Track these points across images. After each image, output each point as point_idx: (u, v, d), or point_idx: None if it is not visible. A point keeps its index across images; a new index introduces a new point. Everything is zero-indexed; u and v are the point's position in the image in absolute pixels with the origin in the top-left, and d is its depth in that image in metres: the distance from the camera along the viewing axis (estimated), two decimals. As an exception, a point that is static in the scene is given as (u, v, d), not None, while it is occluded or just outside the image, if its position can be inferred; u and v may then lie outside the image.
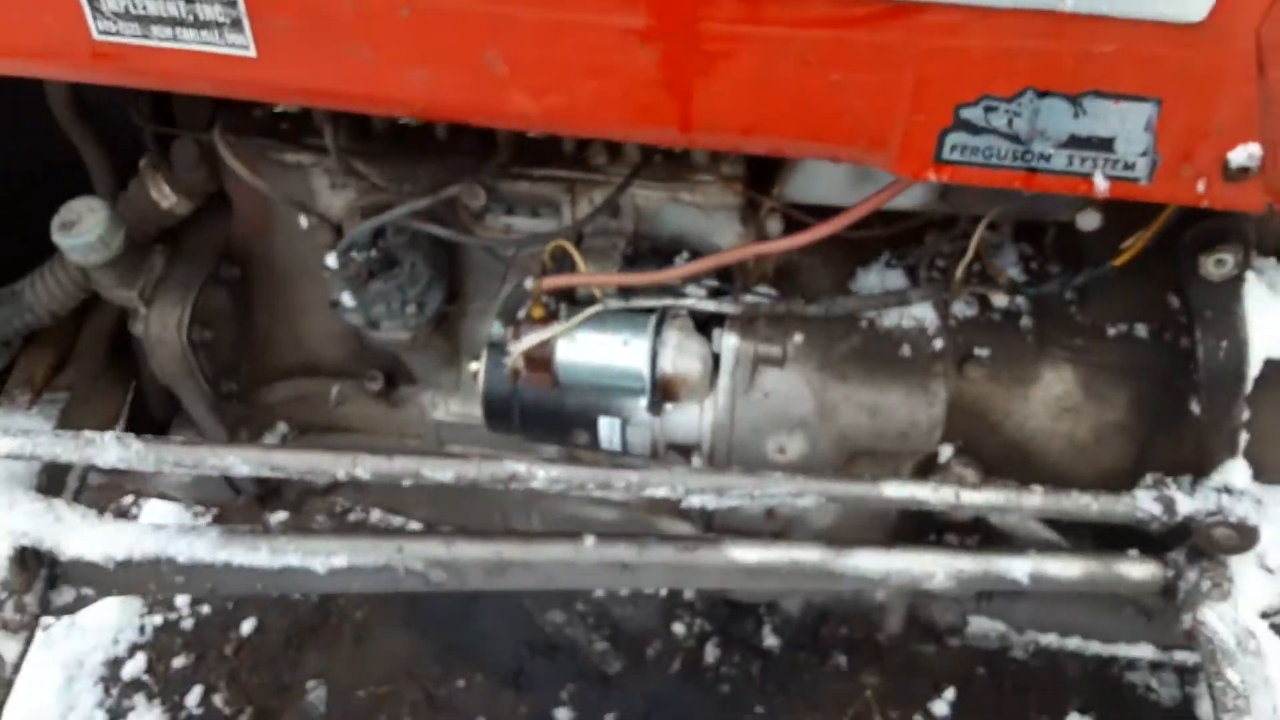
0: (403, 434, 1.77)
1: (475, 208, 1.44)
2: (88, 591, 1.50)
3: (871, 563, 1.42)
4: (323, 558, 1.44)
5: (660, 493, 1.33)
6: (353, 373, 1.70)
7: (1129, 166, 0.91)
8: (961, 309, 1.47)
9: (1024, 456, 1.50)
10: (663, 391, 1.31)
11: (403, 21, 0.95)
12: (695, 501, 1.34)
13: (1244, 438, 1.34)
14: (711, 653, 2.61)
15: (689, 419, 1.42)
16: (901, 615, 1.79)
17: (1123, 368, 1.40)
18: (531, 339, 1.29)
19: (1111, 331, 1.39)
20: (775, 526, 1.52)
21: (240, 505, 2.13)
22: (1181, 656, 1.76)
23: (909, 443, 1.41)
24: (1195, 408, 1.33)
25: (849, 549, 1.42)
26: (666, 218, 1.43)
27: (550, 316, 1.31)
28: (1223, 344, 1.28)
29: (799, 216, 1.36)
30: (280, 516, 2.69)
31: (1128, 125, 0.88)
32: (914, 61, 0.89)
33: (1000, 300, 1.47)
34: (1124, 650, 1.75)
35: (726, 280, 1.44)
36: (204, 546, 1.44)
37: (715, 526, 1.55)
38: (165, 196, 1.50)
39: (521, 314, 1.32)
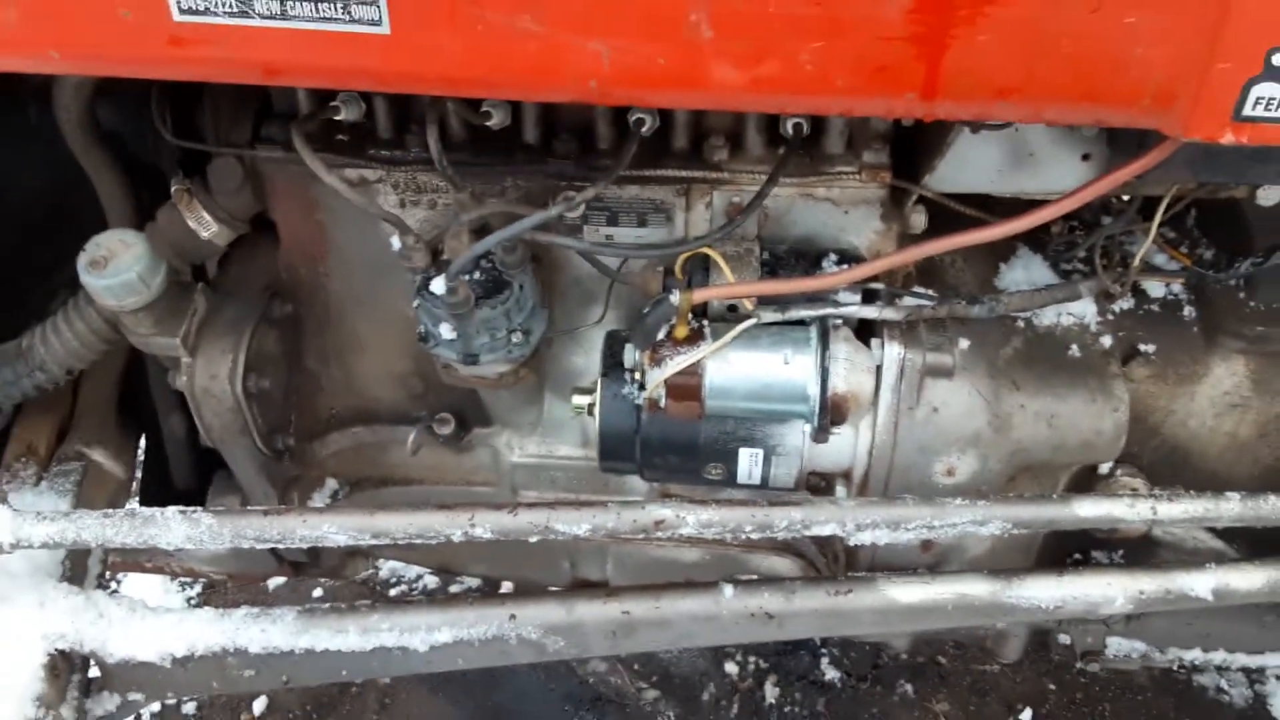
0: (469, 481, 1.57)
1: (573, 219, 1.25)
2: (136, 696, 1.26)
3: (1046, 592, 1.27)
4: (423, 634, 1.23)
5: (827, 530, 1.16)
6: (414, 417, 1.49)
7: None
8: (1118, 302, 1.33)
9: (1182, 458, 1.38)
10: (835, 412, 1.13)
11: (584, -22, 0.77)
12: (866, 538, 1.17)
13: None
14: (771, 692, 2.44)
15: (841, 444, 1.25)
16: (1024, 641, 1.64)
17: (1310, 354, 1.28)
18: (679, 362, 1.10)
19: (1297, 316, 1.26)
20: (930, 559, 1.36)
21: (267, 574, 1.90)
22: (1246, 659, 1.65)
23: (1092, 453, 1.27)
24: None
25: (1020, 578, 1.26)
26: (795, 217, 1.27)
27: (695, 335, 1.13)
28: None
29: (956, 207, 1.21)
30: (279, 583, 2.46)
31: None
32: (1231, -3, 0.74)
33: (1157, 290, 1.33)
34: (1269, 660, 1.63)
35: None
36: (280, 633, 1.22)
37: (857, 561, 1.38)
38: (204, 225, 1.28)
39: (661, 334, 1.13)
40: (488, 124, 1.15)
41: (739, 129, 1.23)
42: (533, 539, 1.16)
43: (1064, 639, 1.59)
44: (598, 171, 1.17)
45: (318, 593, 2.61)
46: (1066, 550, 1.48)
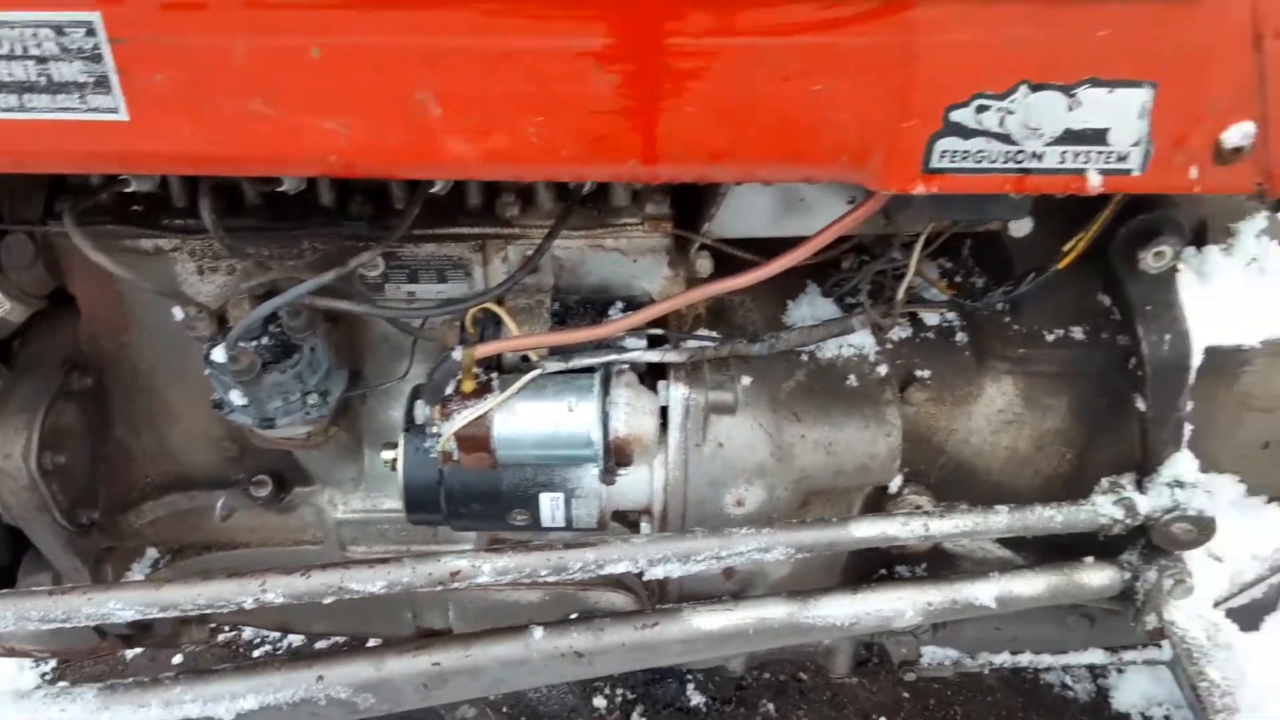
0: (296, 541, 1.57)
1: (373, 277, 1.28)
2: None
3: (840, 610, 1.34)
4: (228, 702, 1.23)
5: (620, 568, 1.21)
6: (233, 480, 1.49)
7: (1122, 158, 0.87)
8: (896, 331, 1.42)
9: (968, 473, 1.47)
10: (618, 456, 1.18)
11: (311, 65, 0.81)
12: (659, 572, 1.22)
13: (1188, 429, 1.34)
14: (639, 722, 2.47)
15: (638, 482, 1.30)
16: (851, 656, 1.72)
17: (1062, 373, 1.38)
18: (466, 416, 1.14)
19: (1049, 337, 1.37)
20: (734, 586, 1.42)
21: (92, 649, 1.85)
22: (1051, 658, 1.76)
23: (869, 475, 1.35)
24: (1140, 404, 1.32)
25: (815, 599, 1.34)
26: (589, 267, 1.32)
27: (483, 389, 1.17)
28: (1166, 336, 1.28)
29: (733, 252, 1.28)
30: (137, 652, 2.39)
31: (1122, 114, 0.85)
32: (902, 63, 0.82)
33: (932, 318, 1.43)
34: (1073, 659, 1.73)
35: (660, 327, 1.33)
36: (81, 711, 1.21)
37: (669, 592, 1.43)
38: (-4, 304, 1.26)
39: (450, 389, 1.17)
40: (280, 190, 1.17)
41: (529, 186, 1.28)
42: (328, 599, 1.17)
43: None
44: (391, 232, 1.20)
45: (177, 659, 2.54)
46: (874, 566, 1.56)
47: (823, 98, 0.84)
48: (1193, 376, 1.30)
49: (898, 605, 1.36)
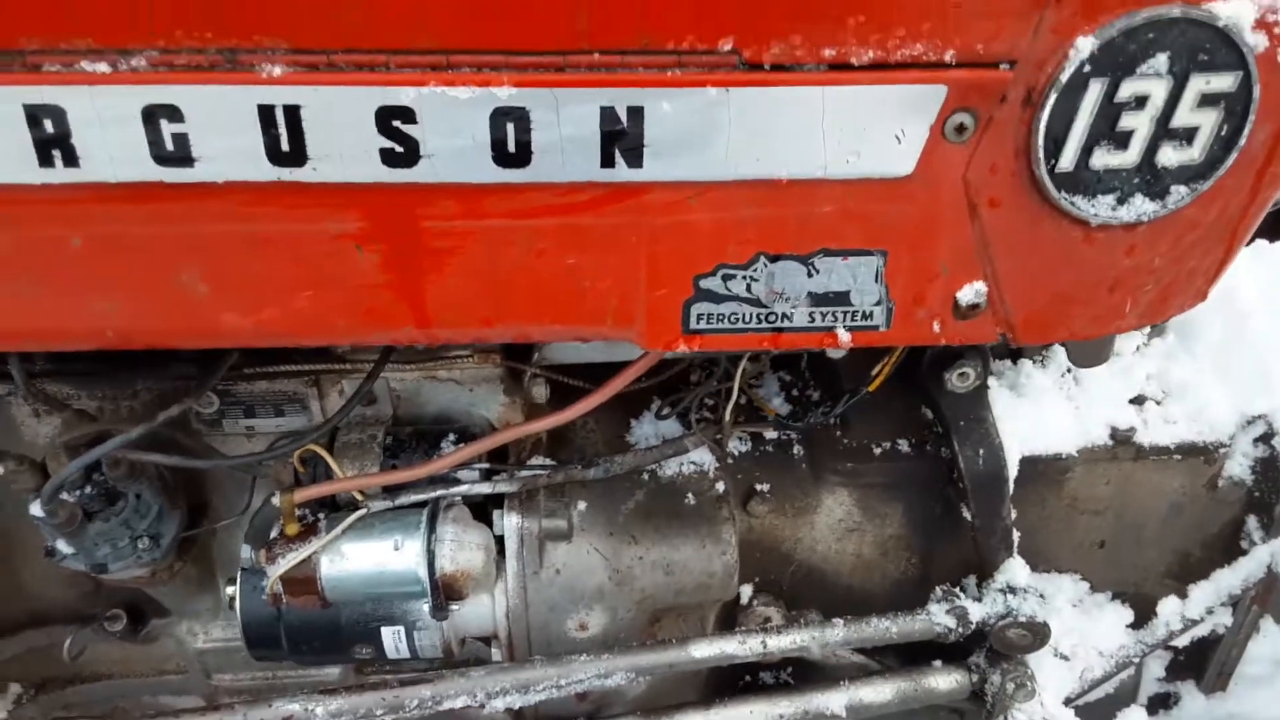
0: (160, 671, 1.57)
1: (209, 414, 1.31)
2: None
3: (694, 727, 1.36)
4: None
5: (459, 703, 1.22)
6: (89, 615, 1.49)
7: (867, 316, 0.93)
8: (737, 446, 1.46)
9: (820, 579, 1.50)
10: (445, 592, 1.21)
11: (74, 252, 0.84)
12: (499, 705, 1.24)
13: (1016, 535, 1.39)
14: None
15: (481, 610, 1.32)
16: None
17: (893, 484, 1.43)
18: (288, 560, 1.16)
19: (877, 450, 1.41)
20: (589, 707, 1.43)
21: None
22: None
23: (709, 593, 1.37)
24: (966, 514, 1.37)
25: (668, 716, 1.35)
26: (426, 397, 1.35)
27: (309, 530, 1.19)
28: (980, 451, 1.33)
29: (564, 380, 1.32)
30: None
31: (859, 278, 0.90)
32: (646, 239, 0.87)
33: (771, 433, 1.47)
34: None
35: (500, 455, 1.37)
36: None
37: (526, 715, 1.44)
38: None
39: (274, 533, 1.19)
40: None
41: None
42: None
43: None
44: (216, 375, 1.22)
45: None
46: (739, 673, 1.58)
47: (577, 270, 0.88)
48: (1011, 487, 1.35)
49: (749, 719, 1.38)
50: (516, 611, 1.31)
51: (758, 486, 1.44)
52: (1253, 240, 1.62)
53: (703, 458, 1.42)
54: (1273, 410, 1.40)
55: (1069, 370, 1.43)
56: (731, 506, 1.40)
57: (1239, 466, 1.42)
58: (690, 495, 1.39)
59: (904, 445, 1.42)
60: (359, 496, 1.22)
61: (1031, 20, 0.76)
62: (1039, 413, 1.38)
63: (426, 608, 1.24)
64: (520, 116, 0.80)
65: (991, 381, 1.37)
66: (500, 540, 1.30)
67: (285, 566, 1.17)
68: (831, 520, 1.46)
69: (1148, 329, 1.45)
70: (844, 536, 1.48)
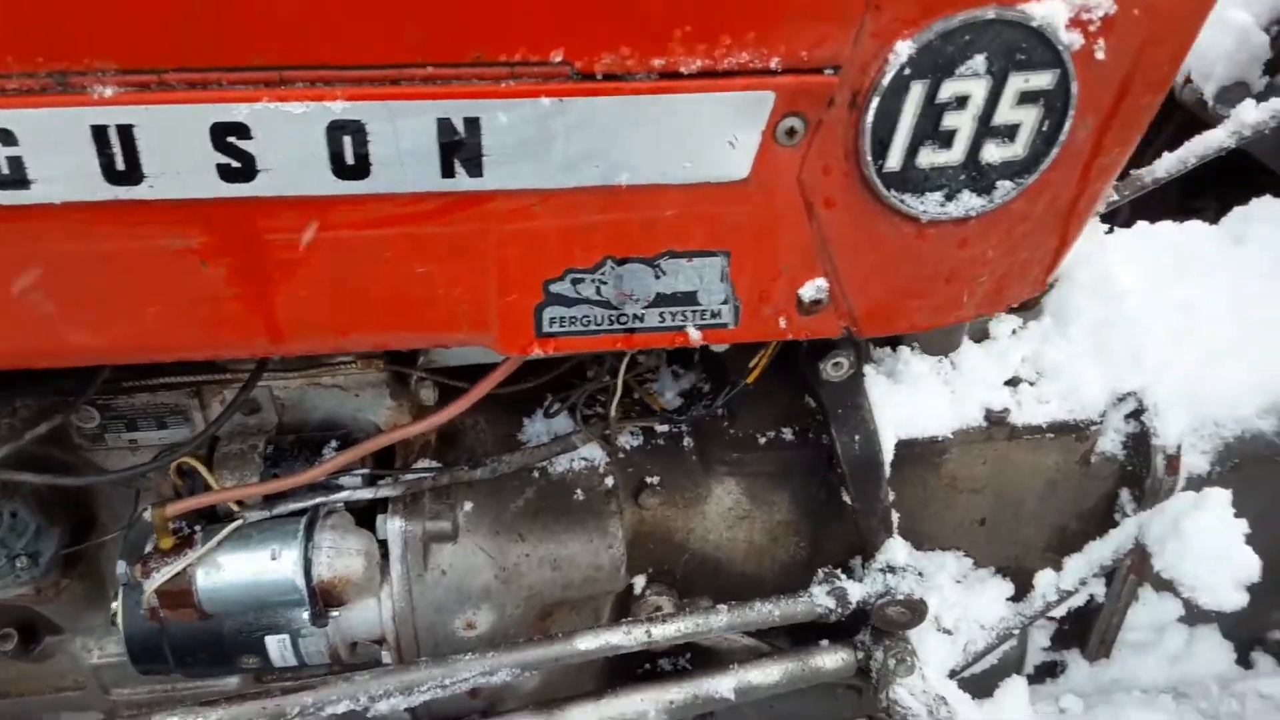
0: (58, 688, 1.54)
1: (89, 429, 1.29)
2: None
3: (585, 716, 1.37)
4: None
5: (341, 708, 1.22)
6: (-24, 634, 1.46)
7: (715, 314, 0.95)
8: (629, 440, 1.47)
9: (713, 567, 1.53)
10: (324, 599, 1.21)
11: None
12: (384, 708, 1.24)
13: (896, 516, 1.43)
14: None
15: (367, 615, 1.32)
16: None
17: (778, 471, 1.46)
18: (163, 574, 1.15)
19: (762, 440, 1.44)
20: (482, 704, 1.45)
21: None
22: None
23: (597, 586, 1.39)
24: (846, 498, 1.40)
25: (561, 708, 1.37)
26: (311, 404, 1.35)
27: (185, 543, 1.18)
28: (856, 437, 1.36)
29: (450, 383, 1.32)
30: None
31: (705, 278, 0.92)
32: (493, 246, 0.88)
33: (662, 426, 1.49)
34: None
35: (388, 460, 1.37)
36: None
37: (420, 716, 1.45)
38: None
39: (149, 547, 1.18)
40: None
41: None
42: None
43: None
44: (90, 390, 1.21)
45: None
46: (637, 661, 1.60)
47: (427, 278, 0.89)
48: (888, 470, 1.39)
49: (640, 706, 1.40)
50: (403, 614, 1.32)
51: (648, 479, 1.46)
52: (1133, 223, 1.69)
53: (594, 454, 1.44)
54: (1143, 387, 1.45)
55: (947, 355, 1.47)
56: (621, 500, 1.42)
57: (1111, 443, 1.48)
58: (579, 491, 1.41)
59: (788, 434, 1.45)
60: (235, 507, 1.21)
61: (852, 27, 0.78)
62: (916, 397, 1.42)
63: (306, 615, 1.24)
64: (357, 129, 0.80)
65: (869, 369, 1.40)
66: (385, 544, 1.31)
67: (159, 581, 1.16)
68: (722, 509, 1.49)
69: (1024, 313, 1.50)
70: (735, 524, 1.50)
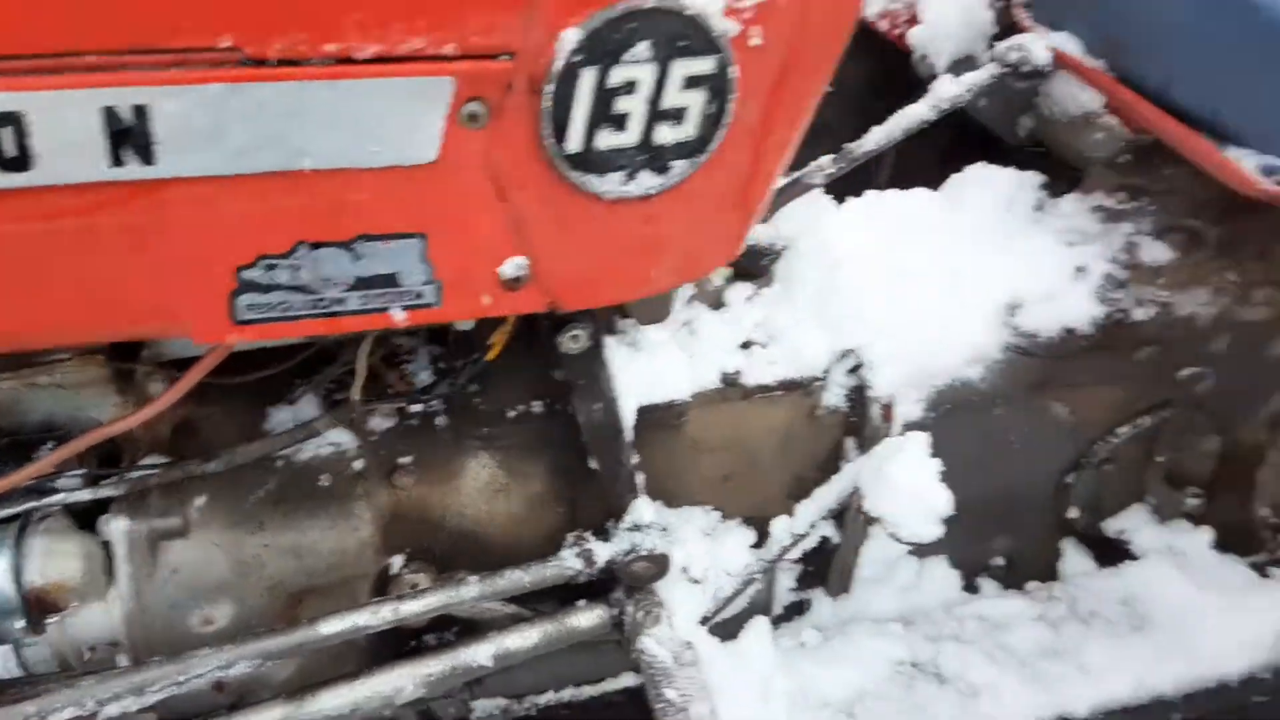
0: None
1: None
2: None
3: (339, 699, 1.36)
4: None
5: (66, 715, 1.17)
6: None
7: (419, 295, 0.96)
8: (382, 423, 1.47)
9: (475, 541, 1.55)
10: (39, 606, 1.15)
11: None
12: (114, 710, 1.20)
13: (641, 478, 1.49)
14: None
15: (97, 618, 1.27)
16: (415, 729, 1.76)
17: (530, 443, 1.49)
18: None
19: (511, 414, 1.47)
20: (229, 698, 1.42)
21: None
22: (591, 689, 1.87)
23: (345, 570, 1.39)
24: (594, 464, 1.45)
25: (310, 695, 1.36)
26: (29, 405, 1.27)
27: None
28: (596, 406, 1.41)
29: (178, 375, 1.27)
30: None
31: (404, 260, 0.93)
32: (177, 235, 0.86)
33: (416, 407, 1.49)
34: (611, 685, 1.86)
35: (117, 458, 1.31)
36: None
37: (164, 717, 1.40)
38: None
39: None
40: None
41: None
42: None
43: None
44: None
45: None
46: (404, 639, 1.61)
47: (111, 270, 0.86)
48: (630, 435, 1.45)
49: (397, 683, 1.40)
50: (133, 615, 1.27)
51: (401, 460, 1.46)
52: (863, 191, 1.81)
53: (344, 439, 1.43)
54: (860, 345, 1.57)
55: (686, 323, 1.54)
56: (371, 482, 1.42)
57: (834, 397, 1.59)
58: (325, 477, 1.39)
59: (538, 406, 1.49)
60: (-61, 519, 1.14)
61: (521, 15, 0.81)
62: (655, 365, 1.48)
63: (22, 625, 1.18)
64: (15, 120, 0.76)
65: (611, 340, 1.45)
66: (110, 545, 1.26)
67: None
68: (478, 484, 1.51)
69: (756, 280, 1.59)
70: (493, 498, 1.53)
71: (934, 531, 1.46)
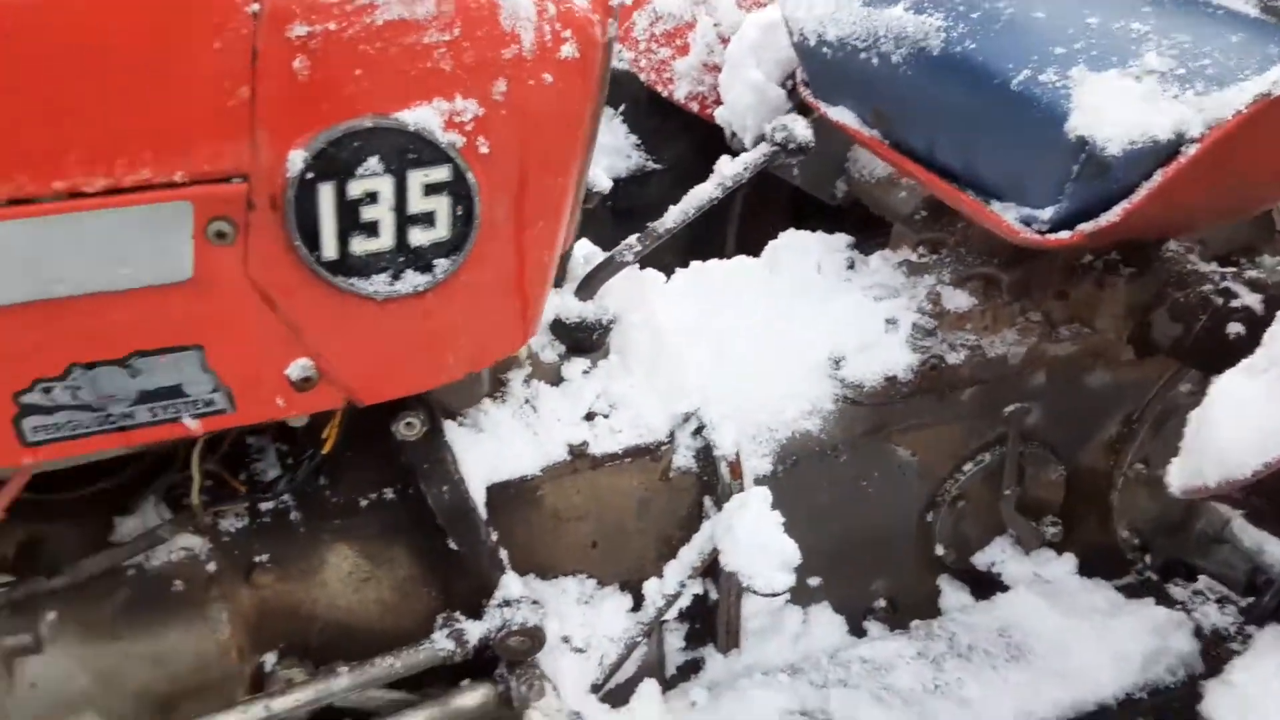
0: None
1: None
2: None
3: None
4: None
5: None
6: None
7: (209, 403, 1.01)
8: (234, 523, 1.50)
9: (349, 631, 1.57)
10: (-120, 738, 1.17)
11: None
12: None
13: (504, 553, 1.53)
14: None
15: (-42, 742, 1.29)
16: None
17: (387, 531, 1.53)
18: None
19: (364, 502, 1.51)
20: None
21: None
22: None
23: (209, 673, 1.41)
24: (454, 544, 1.49)
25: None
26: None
27: None
28: (444, 489, 1.46)
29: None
30: None
31: (185, 372, 0.99)
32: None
33: (267, 504, 1.53)
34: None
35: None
36: None
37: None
38: None
39: None
40: None
41: None
42: None
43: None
44: None
45: None
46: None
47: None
48: (483, 513, 1.49)
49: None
50: (-3, 734, 1.29)
51: (257, 558, 1.49)
52: (699, 259, 1.90)
53: (194, 543, 1.46)
54: (697, 406, 1.63)
55: (527, 401, 1.60)
56: (227, 584, 1.44)
57: (684, 458, 1.65)
58: (178, 582, 1.42)
59: (389, 493, 1.53)
60: None
61: (245, 140, 0.88)
62: (500, 443, 1.54)
63: None
64: None
65: (451, 424, 1.50)
66: (-37, 669, 1.28)
67: None
68: (341, 574, 1.54)
69: (592, 354, 1.65)
70: (360, 587, 1.56)
71: (785, 581, 1.51)
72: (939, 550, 1.91)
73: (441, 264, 1.01)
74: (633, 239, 1.60)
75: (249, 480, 1.48)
